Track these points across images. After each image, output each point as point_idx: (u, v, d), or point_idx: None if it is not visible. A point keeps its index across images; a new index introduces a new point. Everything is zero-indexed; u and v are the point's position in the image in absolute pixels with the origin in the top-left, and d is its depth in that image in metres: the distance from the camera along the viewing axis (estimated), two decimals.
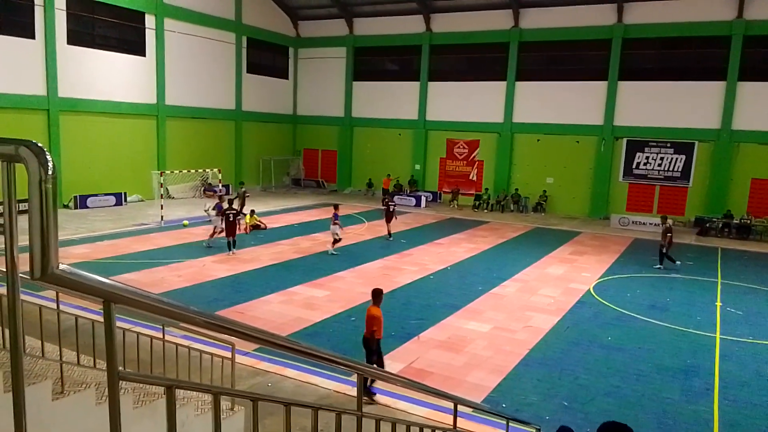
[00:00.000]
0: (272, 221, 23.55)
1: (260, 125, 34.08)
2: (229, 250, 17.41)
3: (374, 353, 8.62)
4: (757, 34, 24.79)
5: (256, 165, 33.63)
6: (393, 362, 9.84)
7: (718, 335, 12.07)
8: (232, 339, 4.71)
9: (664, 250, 17.98)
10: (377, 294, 8.94)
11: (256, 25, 32.94)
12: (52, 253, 1.30)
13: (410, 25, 32.23)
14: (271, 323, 11.48)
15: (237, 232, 17.82)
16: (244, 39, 32.31)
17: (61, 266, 1.35)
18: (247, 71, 32.86)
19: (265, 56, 34.60)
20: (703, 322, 12.95)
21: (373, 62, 34.74)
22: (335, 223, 18.28)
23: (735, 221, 24.72)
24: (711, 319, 13.21)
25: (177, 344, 6.95)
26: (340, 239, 18.48)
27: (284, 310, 12.44)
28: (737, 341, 11.77)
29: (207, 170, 26.79)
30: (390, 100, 33.49)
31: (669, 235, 17.90)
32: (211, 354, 6.89)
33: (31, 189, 1.29)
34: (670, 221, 18.64)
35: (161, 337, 6.37)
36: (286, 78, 36.32)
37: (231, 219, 17.38)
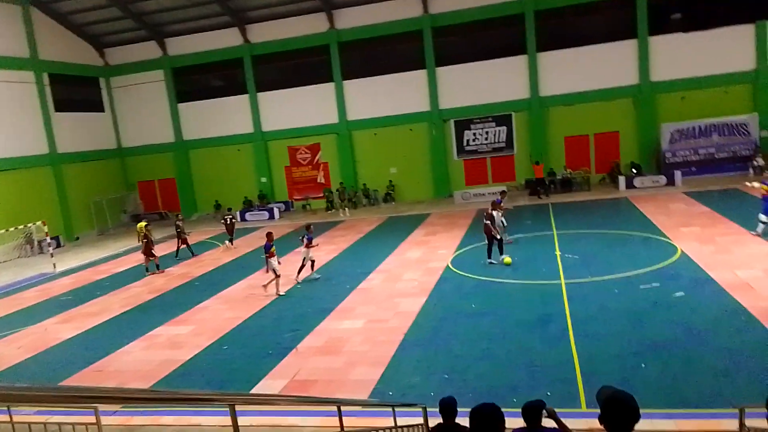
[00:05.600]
0: (118, 265, 21.85)
1: (83, 165, 31.22)
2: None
3: None
4: (546, 7, 27.67)
5: (86, 208, 30.80)
6: (275, 380, 9.65)
7: (563, 281, 13.40)
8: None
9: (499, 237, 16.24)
10: None
11: (56, 59, 30.06)
12: None
13: (227, 38, 31.45)
14: (137, 373, 10.67)
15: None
16: (45, 76, 29.34)
17: None
18: (56, 110, 29.87)
19: (74, 91, 31.73)
20: (548, 272, 14.30)
21: (195, 81, 33.41)
22: (308, 246, 15.96)
23: (558, 177, 27.53)
24: (554, 268, 14.62)
25: (29, 423, 6.18)
26: (312, 261, 16.32)
27: (148, 356, 11.61)
28: (579, 282, 13.16)
29: (30, 225, 24.04)
30: (221, 117, 32.49)
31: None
32: (72, 423, 6.23)
33: None
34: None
35: (8, 420, 5.62)
36: (102, 110, 33.64)
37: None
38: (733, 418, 6.16)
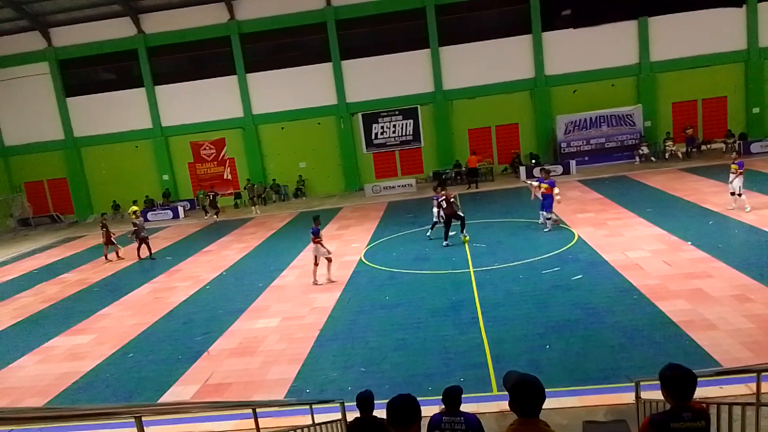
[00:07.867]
0: (4, 274, 20.12)
1: None
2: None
3: None
4: (445, 2, 28.29)
5: None
6: (186, 386, 9.28)
7: (471, 269, 13.84)
8: None
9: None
10: None
11: None
12: None
13: (120, 28, 29.65)
14: (32, 389, 9.89)
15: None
16: None
17: None
18: None
19: None
20: (458, 261, 14.72)
21: (85, 74, 31.24)
22: (316, 241, 13.97)
23: (464, 169, 28.37)
24: (463, 257, 15.08)
25: None
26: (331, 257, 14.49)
27: (45, 370, 10.78)
28: (486, 270, 13.65)
29: None
30: (116, 112, 30.64)
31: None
32: None
33: None
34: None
35: None
36: None
37: None
38: (630, 391, 6.65)
